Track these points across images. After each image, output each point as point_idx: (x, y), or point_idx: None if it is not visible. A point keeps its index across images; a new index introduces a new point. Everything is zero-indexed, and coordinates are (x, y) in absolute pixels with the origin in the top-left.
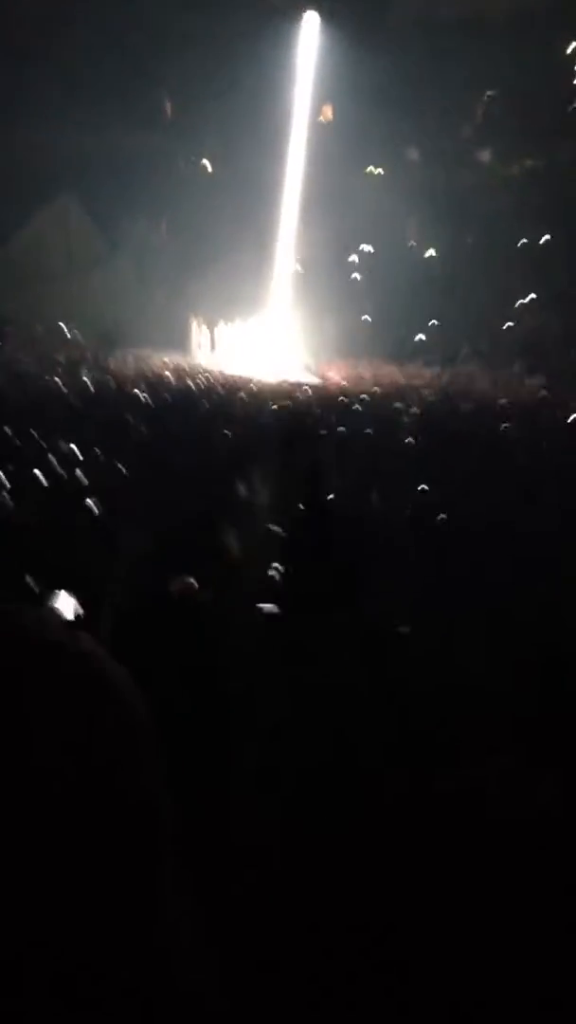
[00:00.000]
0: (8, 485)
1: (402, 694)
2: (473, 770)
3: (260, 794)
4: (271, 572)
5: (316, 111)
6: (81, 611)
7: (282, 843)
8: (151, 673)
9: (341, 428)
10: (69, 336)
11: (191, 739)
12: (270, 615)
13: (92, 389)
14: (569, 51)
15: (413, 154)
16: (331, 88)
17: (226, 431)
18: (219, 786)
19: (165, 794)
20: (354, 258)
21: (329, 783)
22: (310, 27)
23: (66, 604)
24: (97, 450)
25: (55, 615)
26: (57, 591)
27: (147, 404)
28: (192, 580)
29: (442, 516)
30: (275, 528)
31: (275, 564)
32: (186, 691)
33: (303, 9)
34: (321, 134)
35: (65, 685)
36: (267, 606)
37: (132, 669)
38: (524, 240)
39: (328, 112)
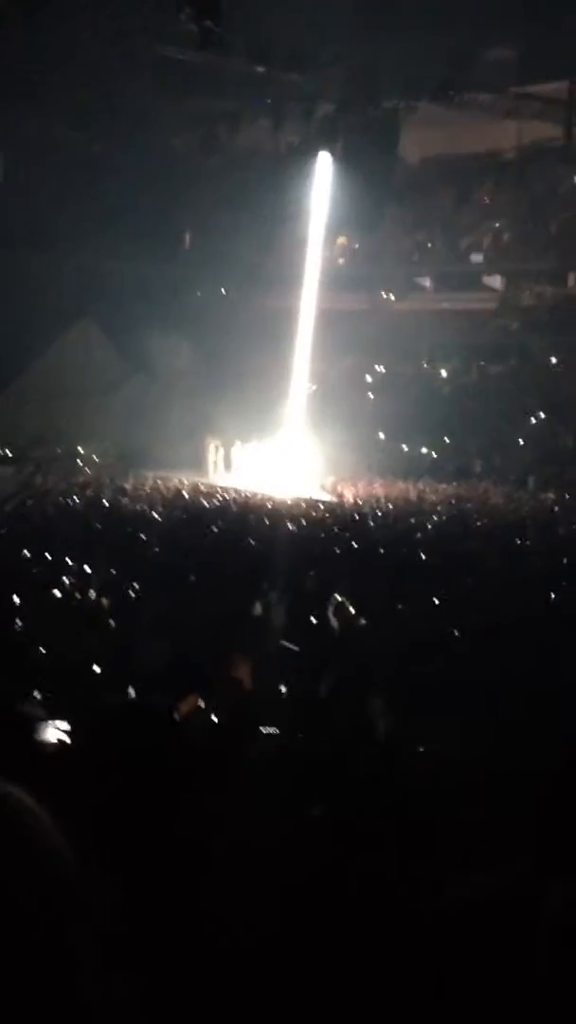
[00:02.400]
0: (19, 605)
1: (410, 799)
2: (482, 878)
3: (253, 902)
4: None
5: (331, 242)
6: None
7: (271, 955)
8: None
9: (354, 545)
10: (87, 456)
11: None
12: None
13: (108, 508)
14: None
15: (425, 280)
16: (345, 220)
17: (249, 541)
18: (215, 892)
19: (75, 927)
20: (368, 378)
21: (328, 889)
22: (324, 165)
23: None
24: (112, 569)
25: None
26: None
27: (162, 523)
28: (199, 698)
29: (456, 630)
30: (288, 645)
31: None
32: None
33: (318, 149)
34: (335, 263)
35: None
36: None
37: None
38: (534, 362)
39: (342, 243)
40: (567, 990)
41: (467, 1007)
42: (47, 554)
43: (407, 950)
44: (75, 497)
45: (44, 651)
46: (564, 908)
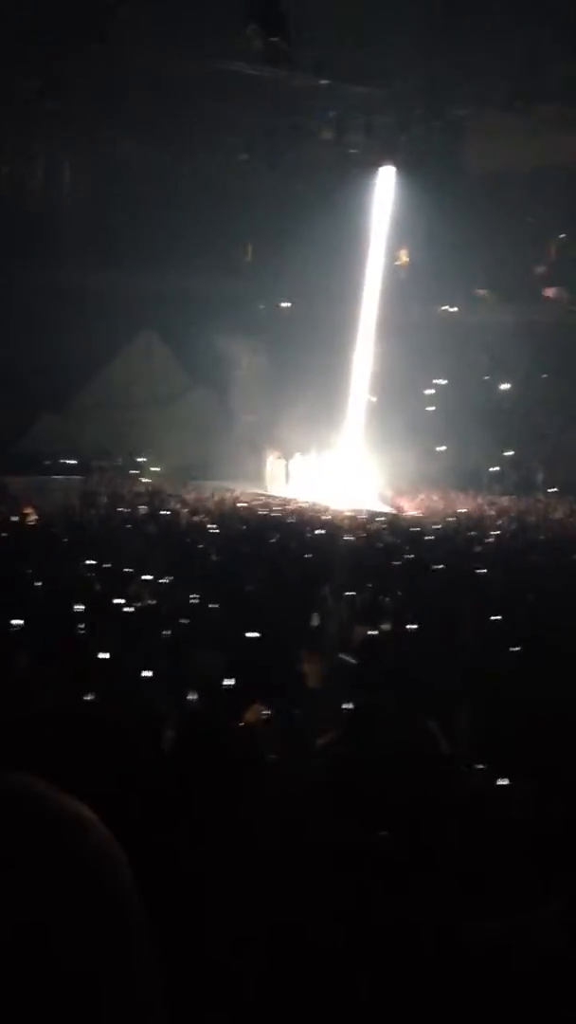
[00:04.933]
0: (81, 612)
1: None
2: (501, 921)
3: (264, 951)
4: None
5: (392, 254)
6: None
7: (287, 1000)
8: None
9: (413, 558)
10: (148, 467)
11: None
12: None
13: (168, 519)
14: None
15: (486, 293)
16: (407, 233)
17: (306, 555)
18: (227, 926)
19: (129, 954)
20: (430, 391)
21: (345, 928)
22: (387, 177)
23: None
24: (170, 579)
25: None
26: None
27: (220, 533)
28: (263, 708)
29: (516, 648)
30: (346, 657)
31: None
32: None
33: (380, 162)
34: (397, 275)
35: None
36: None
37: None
38: None
39: (403, 256)
40: None
41: None
42: (107, 563)
43: (431, 986)
44: (136, 507)
45: (101, 658)
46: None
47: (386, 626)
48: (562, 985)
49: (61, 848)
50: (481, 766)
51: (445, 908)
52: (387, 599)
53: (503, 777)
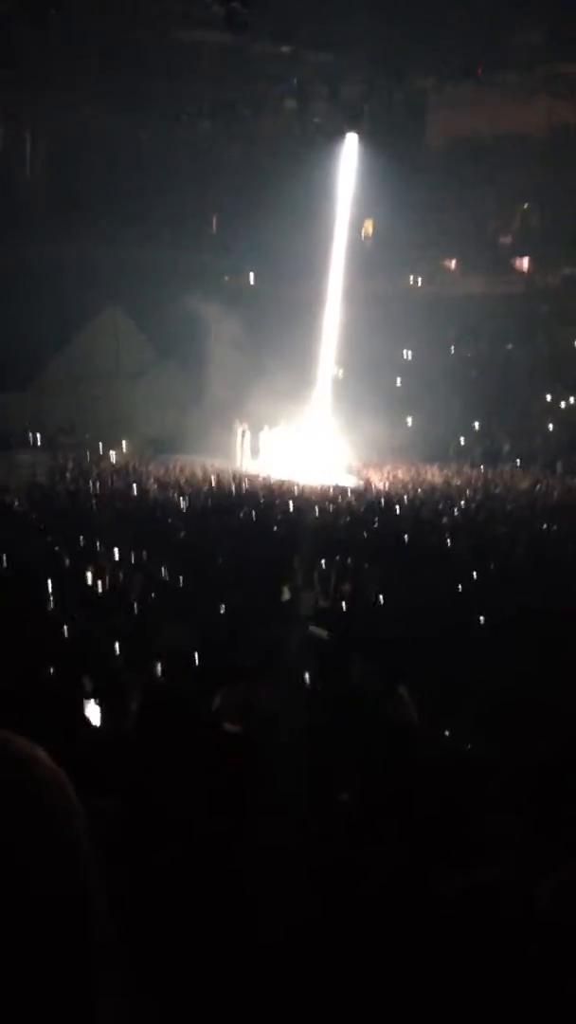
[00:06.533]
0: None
1: (415, 788)
2: (479, 871)
3: (255, 897)
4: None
5: (357, 225)
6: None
7: (271, 948)
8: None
9: (381, 529)
10: (115, 442)
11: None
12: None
13: (136, 494)
14: None
15: (452, 264)
16: (371, 203)
17: (275, 528)
18: (220, 885)
19: (93, 901)
20: (397, 362)
21: (330, 881)
22: (350, 147)
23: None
24: (142, 553)
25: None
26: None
27: (189, 509)
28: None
29: (480, 617)
30: (316, 630)
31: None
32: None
33: (344, 131)
34: (361, 247)
35: None
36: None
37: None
38: (561, 346)
39: (369, 227)
40: (558, 980)
41: (464, 995)
42: (75, 538)
43: (414, 937)
44: (102, 482)
45: (71, 632)
46: (554, 902)
47: (355, 597)
48: (530, 941)
49: (10, 780)
50: (448, 732)
51: (418, 865)
52: (356, 572)
53: (469, 743)
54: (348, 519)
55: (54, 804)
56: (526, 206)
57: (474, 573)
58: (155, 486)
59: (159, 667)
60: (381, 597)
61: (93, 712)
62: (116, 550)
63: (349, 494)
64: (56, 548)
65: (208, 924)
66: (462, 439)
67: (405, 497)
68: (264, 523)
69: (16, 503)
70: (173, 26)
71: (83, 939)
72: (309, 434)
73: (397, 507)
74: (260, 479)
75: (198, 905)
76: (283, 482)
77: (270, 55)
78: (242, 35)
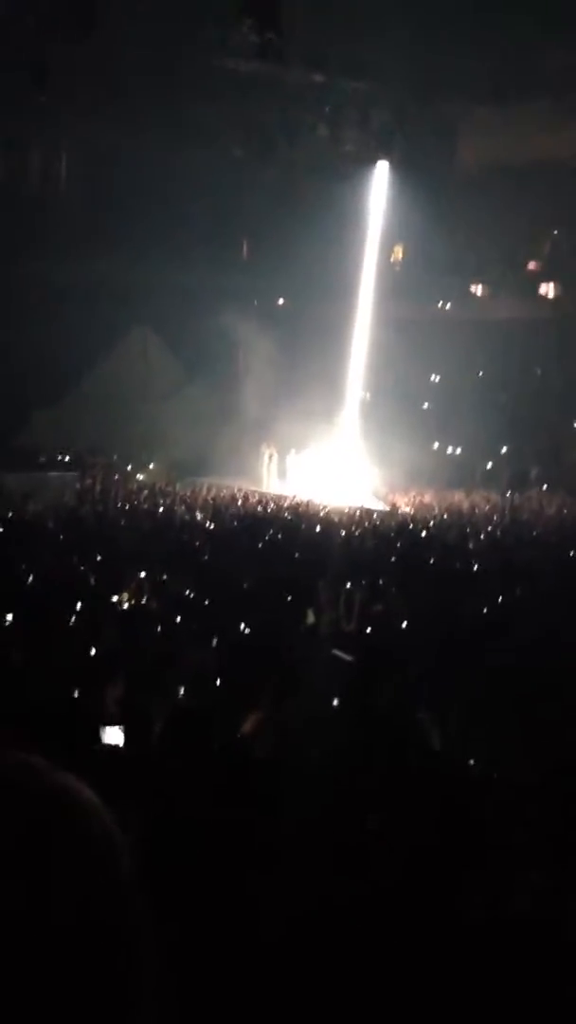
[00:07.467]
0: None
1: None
2: (503, 893)
3: (278, 923)
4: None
5: (386, 250)
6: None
7: (296, 974)
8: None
9: (407, 554)
10: (143, 463)
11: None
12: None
13: (162, 515)
14: None
15: (481, 289)
16: (402, 228)
17: (301, 552)
18: (229, 912)
19: (132, 927)
20: (425, 387)
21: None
22: (381, 173)
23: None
24: (164, 576)
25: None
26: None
27: (216, 530)
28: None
29: (510, 644)
30: (340, 654)
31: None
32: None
33: (375, 158)
34: (391, 271)
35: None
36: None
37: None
38: None
39: (399, 252)
40: None
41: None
42: (102, 559)
43: (440, 965)
44: (130, 503)
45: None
46: None
47: (380, 622)
48: (549, 955)
49: (53, 820)
50: (472, 760)
51: (441, 885)
52: (381, 595)
53: (495, 771)
54: (374, 542)
55: (101, 840)
56: (556, 232)
57: (500, 598)
58: (182, 507)
59: (183, 689)
60: (406, 622)
61: (116, 734)
62: (142, 571)
63: (375, 517)
64: (82, 568)
65: (233, 950)
66: (489, 464)
67: (431, 521)
68: (289, 545)
69: (46, 523)
70: (209, 54)
71: (133, 977)
72: (336, 458)
73: (423, 531)
74: (287, 502)
75: (221, 929)
76: (309, 504)
77: (302, 83)
78: (276, 63)
